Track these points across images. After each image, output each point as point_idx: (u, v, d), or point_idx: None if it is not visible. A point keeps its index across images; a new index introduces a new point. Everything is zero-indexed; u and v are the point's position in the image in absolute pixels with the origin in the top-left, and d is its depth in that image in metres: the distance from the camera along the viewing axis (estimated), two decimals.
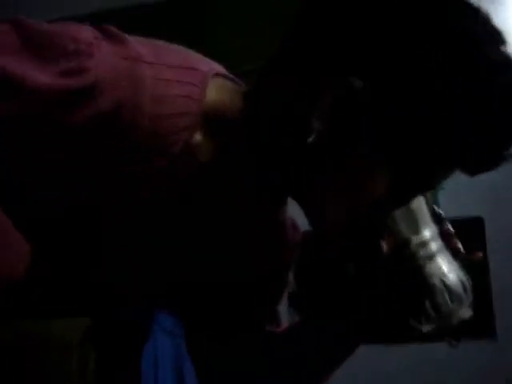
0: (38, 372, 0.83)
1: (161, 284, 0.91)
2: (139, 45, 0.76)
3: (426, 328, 0.85)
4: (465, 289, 0.85)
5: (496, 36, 0.76)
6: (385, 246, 0.84)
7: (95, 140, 0.73)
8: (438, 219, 0.87)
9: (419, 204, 0.86)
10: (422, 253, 0.85)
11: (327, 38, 0.77)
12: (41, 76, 0.69)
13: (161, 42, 0.82)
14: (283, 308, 1.04)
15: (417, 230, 0.85)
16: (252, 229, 0.93)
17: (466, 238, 0.90)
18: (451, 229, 0.88)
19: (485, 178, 0.80)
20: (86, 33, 0.74)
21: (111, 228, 0.80)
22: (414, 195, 0.84)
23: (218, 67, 0.85)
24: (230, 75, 0.86)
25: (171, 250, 0.88)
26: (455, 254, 0.87)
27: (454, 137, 0.76)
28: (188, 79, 0.78)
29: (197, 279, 0.93)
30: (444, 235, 0.87)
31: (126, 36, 0.76)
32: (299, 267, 1.00)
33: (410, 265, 0.85)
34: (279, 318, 1.03)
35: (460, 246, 0.87)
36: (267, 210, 0.95)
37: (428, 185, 0.82)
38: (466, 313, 0.85)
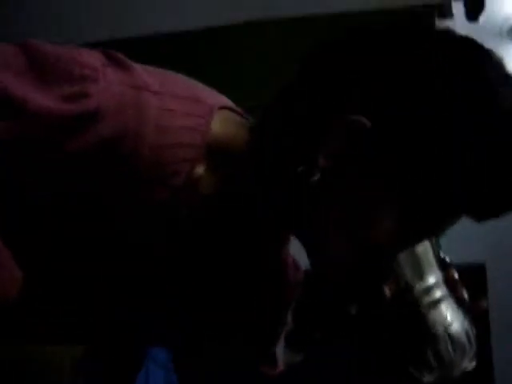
0: None
1: (155, 320, 0.89)
2: (146, 73, 0.75)
3: (426, 378, 0.82)
4: (469, 339, 0.81)
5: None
6: (387, 290, 0.80)
7: (95, 167, 0.71)
8: (443, 265, 0.84)
9: (425, 248, 0.82)
10: (425, 299, 0.81)
11: (337, 75, 0.76)
12: (43, 99, 0.68)
13: (168, 72, 0.81)
14: (281, 350, 1.01)
15: (421, 275, 0.82)
16: (253, 266, 0.90)
17: (467, 284, 0.86)
18: (456, 276, 0.84)
19: (487, 223, 0.78)
20: (93, 59, 0.72)
21: (107, 259, 0.79)
22: (420, 239, 0.81)
23: (225, 100, 0.83)
24: (237, 109, 0.84)
25: (168, 287, 0.85)
26: (460, 302, 0.83)
27: (465, 179, 0.74)
28: (194, 111, 0.76)
29: (193, 316, 0.91)
30: (449, 282, 0.84)
31: (133, 64, 0.75)
32: (300, 306, 0.98)
33: (413, 311, 0.81)
34: (276, 359, 0.99)
35: (465, 294, 0.84)
36: (269, 248, 0.92)
37: (435, 230, 0.80)
38: (469, 364, 0.82)
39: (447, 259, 0.84)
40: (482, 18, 2.17)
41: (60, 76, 0.69)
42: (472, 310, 0.83)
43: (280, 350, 0.99)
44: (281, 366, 0.99)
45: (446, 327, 0.80)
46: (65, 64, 0.70)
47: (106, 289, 0.82)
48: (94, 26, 2.57)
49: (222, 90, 0.86)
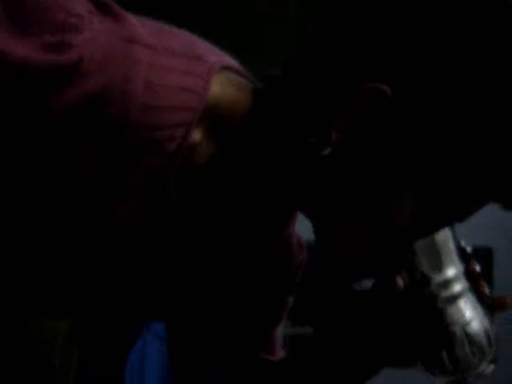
0: (22, 363, 0.80)
1: (149, 297, 0.86)
2: (139, 25, 0.68)
3: (439, 381, 0.78)
4: (489, 339, 0.74)
5: None
6: (400, 281, 0.74)
7: (77, 127, 0.64)
8: (464, 256, 0.76)
9: (445, 237, 0.75)
10: (443, 294, 0.74)
11: (355, 40, 0.68)
12: (18, 48, 0.61)
13: (166, 26, 0.73)
14: (281, 335, 0.98)
15: (440, 266, 0.74)
16: (253, 246, 0.84)
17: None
18: (478, 269, 0.77)
19: (494, 205, 0.74)
20: (80, 5, 0.65)
21: (92, 231, 0.75)
22: (441, 226, 0.74)
23: (228, 59, 0.75)
24: (242, 70, 0.76)
25: (161, 263, 0.79)
26: (481, 297, 0.76)
27: (497, 161, 0.67)
28: (191, 69, 0.69)
29: (190, 299, 0.86)
30: (470, 275, 0.77)
31: (126, 14, 0.67)
32: (302, 280, 0.94)
33: (429, 307, 0.74)
34: (276, 345, 0.93)
35: (487, 289, 0.77)
36: (272, 226, 0.86)
37: (459, 215, 0.72)
38: (487, 367, 0.75)
39: (468, 249, 0.77)
40: None
41: (41, 24, 0.62)
42: (494, 305, 0.77)
43: (280, 334, 0.96)
44: (281, 351, 0.95)
45: (464, 326, 0.74)
46: (47, 10, 0.63)
47: (94, 266, 0.79)
48: None
49: (229, 52, 0.81)
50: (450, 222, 0.74)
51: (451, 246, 0.75)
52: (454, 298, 0.74)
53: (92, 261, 0.75)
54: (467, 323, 0.73)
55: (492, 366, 0.74)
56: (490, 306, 0.76)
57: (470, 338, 0.73)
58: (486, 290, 0.76)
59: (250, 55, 0.81)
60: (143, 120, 0.65)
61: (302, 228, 0.83)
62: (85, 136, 0.65)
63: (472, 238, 0.81)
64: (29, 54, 0.61)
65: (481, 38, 0.65)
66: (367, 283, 0.78)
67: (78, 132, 0.64)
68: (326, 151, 0.67)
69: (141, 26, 0.67)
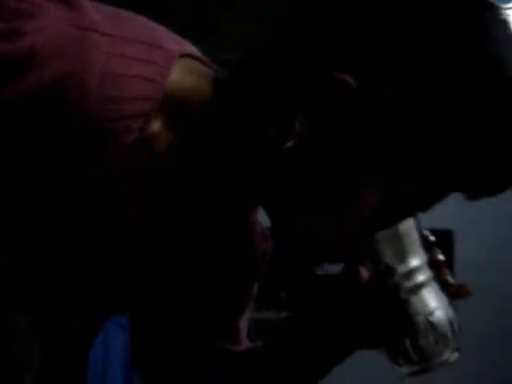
0: None
1: (111, 286, 0.85)
2: (96, 12, 0.66)
3: (405, 369, 0.75)
4: (452, 328, 0.74)
5: None
6: (364, 272, 0.73)
7: (32, 121, 0.62)
8: (427, 245, 0.76)
9: (408, 227, 0.74)
10: (406, 284, 0.74)
11: (322, 25, 0.67)
12: None
13: (125, 13, 0.71)
14: (245, 325, 0.97)
15: (403, 257, 0.74)
16: (215, 236, 0.83)
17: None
18: (442, 257, 0.77)
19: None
20: None
21: (52, 226, 0.73)
22: (405, 216, 0.73)
23: (189, 47, 0.74)
24: (203, 57, 0.75)
25: (121, 258, 0.77)
26: (444, 286, 0.76)
27: (463, 153, 0.66)
28: (150, 57, 0.67)
29: (152, 287, 0.84)
30: (433, 264, 0.76)
31: (83, 0, 0.65)
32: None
33: (392, 297, 0.74)
34: (240, 336, 0.92)
35: (450, 278, 0.77)
36: (233, 216, 0.84)
37: (425, 205, 0.71)
38: (451, 355, 0.75)
39: (431, 238, 0.77)
40: None
41: None
42: (457, 293, 0.77)
43: (244, 324, 0.95)
44: (245, 342, 0.95)
45: (428, 316, 0.74)
46: None
47: (55, 260, 0.77)
48: None
49: (189, 38, 0.79)
50: (414, 212, 0.73)
51: (414, 235, 0.75)
52: (418, 288, 0.74)
53: (57, 248, 0.74)
54: (431, 312, 0.73)
55: (456, 354, 0.75)
56: (452, 294, 0.76)
57: (433, 327, 0.73)
58: (450, 279, 0.77)
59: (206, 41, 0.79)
60: (101, 111, 0.63)
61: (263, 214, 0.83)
62: (42, 125, 0.63)
63: (432, 220, 0.81)
64: None
65: (443, 26, 0.64)
66: (329, 267, 0.78)
67: (35, 121, 0.62)
68: (290, 142, 0.66)
69: (97, 13, 0.65)
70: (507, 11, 0.67)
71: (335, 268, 0.78)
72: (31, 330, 0.83)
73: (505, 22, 0.66)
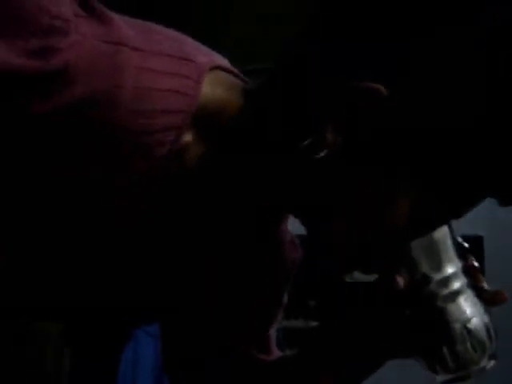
0: (14, 371, 0.79)
1: (142, 296, 0.85)
2: (126, 26, 0.66)
3: (442, 377, 0.74)
4: (489, 335, 0.74)
5: None
6: (401, 280, 0.73)
7: (65, 134, 0.63)
8: (461, 252, 0.76)
9: (443, 235, 0.74)
10: (443, 292, 0.73)
11: (349, 38, 0.66)
12: (4, 54, 0.59)
13: (154, 26, 0.72)
14: (274, 334, 0.96)
15: (439, 265, 0.74)
16: (245, 245, 0.83)
17: None
18: (476, 264, 0.76)
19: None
20: (65, 7, 0.63)
21: (84, 240, 0.71)
22: (439, 224, 0.73)
23: (219, 59, 0.74)
24: (233, 69, 0.75)
25: (154, 268, 0.78)
26: (479, 292, 0.76)
27: (497, 160, 0.66)
28: (181, 71, 0.68)
29: (183, 297, 0.84)
30: (468, 271, 0.76)
31: (113, 15, 0.66)
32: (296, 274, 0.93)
33: (429, 306, 0.74)
34: (271, 344, 0.92)
35: (485, 284, 0.76)
36: (265, 226, 0.84)
37: (458, 212, 0.71)
38: (488, 362, 0.74)
39: (466, 245, 0.76)
40: None
41: (25, 27, 0.60)
42: (492, 300, 0.76)
43: (274, 334, 0.95)
44: (276, 351, 0.92)
45: (465, 322, 0.73)
46: (31, 13, 0.60)
47: (90, 265, 0.78)
48: None
49: (217, 49, 0.80)
50: (447, 220, 0.73)
51: (449, 243, 0.74)
52: (454, 296, 0.73)
53: (89, 259, 0.75)
54: (468, 320, 0.73)
55: (492, 362, 0.74)
56: (487, 300, 0.75)
57: (470, 334, 0.73)
58: (485, 285, 0.76)
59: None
60: (132, 125, 0.64)
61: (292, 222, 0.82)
62: (73, 140, 0.63)
63: (462, 226, 0.80)
64: (14, 59, 0.59)
65: (470, 34, 0.64)
66: (358, 275, 0.78)
67: (66, 136, 0.63)
68: (322, 153, 0.66)
69: (128, 28, 0.66)
70: None
71: (364, 276, 0.78)
72: (61, 342, 0.84)
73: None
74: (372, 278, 0.79)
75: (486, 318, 0.74)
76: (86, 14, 0.64)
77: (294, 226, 0.86)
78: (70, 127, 0.62)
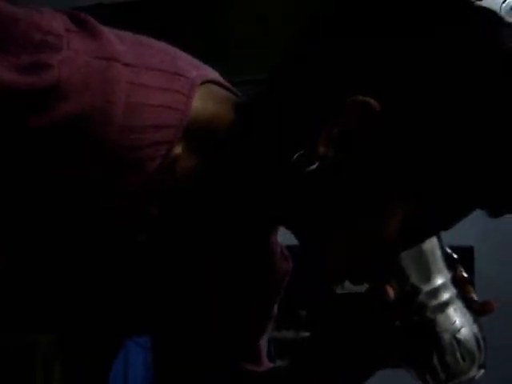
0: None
1: (132, 309, 0.85)
2: (118, 41, 0.66)
3: None
4: (478, 345, 0.75)
5: None
6: (391, 291, 0.73)
7: (57, 151, 0.63)
8: (451, 263, 0.76)
9: (432, 246, 0.74)
10: (432, 303, 0.74)
11: (341, 50, 0.67)
12: None
13: (146, 40, 0.72)
14: (265, 345, 0.96)
15: (428, 276, 0.74)
16: (236, 257, 0.83)
17: None
18: (465, 274, 0.77)
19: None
20: (57, 23, 0.63)
21: (74, 248, 0.71)
22: (429, 235, 0.73)
23: (210, 72, 0.75)
24: (224, 82, 0.76)
25: (143, 281, 0.79)
26: (469, 303, 0.76)
27: (486, 172, 0.66)
28: (172, 86, 0.68)
29: (171, 308, 0.85)
30: (457, 281, 0.76)
31: (104, 30, 0.66)
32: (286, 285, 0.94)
33: (418, 316, 0.74)
34: (261, 356, 0.92)
35: (474, 295, 0.77)
36: (254, 238, 0.85)
37: (447, 224, 0.72)
38: (477, 372, 0.75)
39: (455, 256, 0.77)
40: None
41: (17, 43, 0.60)
42: (481, 310, 0.77)
43: (264, 345, 0.93)
44: (267, 362, 0.93)
45: (455, 333, 0.74)
46: (23, 29, 0.61)
47: (79, 278, 0.78)
48: None
49: (210, 60, 0.80)
50: (436, 231, 0.74)
51: (438, 254, 0.75)
52: (443, 306, 0.74)
53: (87, 263, 0.75)
54: (457, 330, 0.73)
55: (482, 371, 0.75)
56: (477, 310, 0.76)
57: (460, 344, 0.73)
58: (474, 296, 0.76)
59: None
60: (123, 141, 0.64)
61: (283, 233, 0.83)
62: (63, 155, 0.63)
63: (452, 237, 0.81)
64: (5, 75, 0.59)
65: (465, 47, 0.64)
66: (349, 286, 0.78)
67: (56, 151, 0.63)
68: (314, 166, 0.66)
69: (119, 42, 0.66)
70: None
71: (354, 287, 0.78)
72: (51, 354, 0.84)
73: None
74: (363, 288, 0.79)
75: (476, 328, 0.75)
76: (77, 28, 0.64)
77: (284, 237, 0.87)
78: (67, 141, 0.62)
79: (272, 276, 0.88)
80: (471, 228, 2.76)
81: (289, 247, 0.90)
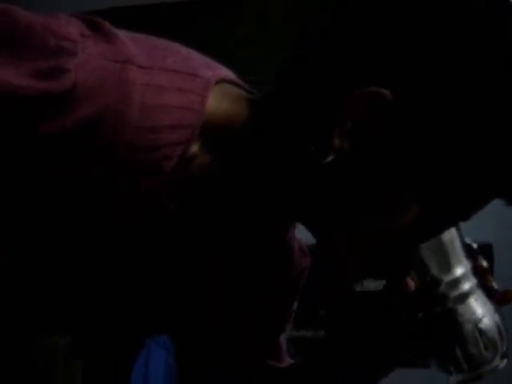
0: None
1: (153, 310, 0.86)
2: (133, 44, 0.67)
3: (456, 378, 0.75)
4: (500, 334, 0.75)
5: None
6: (411, 283, 0.73)
7: (73, 153, 0.64)
8: (470, 253, 0.76)
9: (451, 237, 0.75)
10: (453, 294, 0.74)
11: (354, 42, 0.67)
12: (9, 75, 0.60)
13: (160, 41, 0.73)
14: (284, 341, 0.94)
15: (448, 266, 0.74)
16: (254, 254, 0.84)
17: None
18: (485, 264, 0.77)
19: (492, 202, 0.73)
20: (72, 28, 0.64)
21: (91, 256, 0.72)
22: (447, 226, 0.73)
23: (225, 71, 0.75)
24: (239, 81, 0.76)
25: (161, 281, 0.79)
26: (489, 293, 0.76)
27: (502, 159, 0.67)
28: (187, 86, 0.68)
29: (191, 307, 0.85)
30: (477, 272, 0.76)
31: (119, 33, 0.67)
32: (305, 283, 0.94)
33: (440, 307, 0.74)
34: (282, 352, 0.93)
35: (495, 284, 0.77)
36: (272, 235, 0.85)
37: (465, 214, 0.72)
38: (500, 362, 0.75)
39: (474, 246, 0.77)
40: None
41: (33, 48, 0.62)
42: (502, 299, 0.77)
43: (284, 342, 0.93)
44: (287, 358, 0.93)
45: (477, 323, 0.74)
46: (39, 34, 0.62)
47: (95, 274, 0.78)
48: None
49: (223, 61, 0.78)
50: (455, 222, 0.74)
51: (457, 245, 0.75)
52: (464, 297, 0.74)
53: (93, 268, 0.75)
54: (479, 320, 0.74)
55: (505, 361, 0.75)
56: (497, 300, 0.76)
57: (482, 334, 0.73)
58: (494, 285, 0.76)
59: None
60: (140, 141, 0.65)
61: (301, 231, 0.83)
62: (80, 158, 0.64)
63: (472, 233, 0.80)
64: (22, 81, 0.60)
65: (477, 40, 0.65)
66: (369, 284, 0.78)
67: (73, 154, 0.64)
68: (329, 159, 0.66)
69: (133, 45, 0.67)
70: None
71: (374, 285, 0.78)
72: (71, 356, 0.84)
73: None
74: (381, 286, 0.79)
75: (497, 318, 0.75)
76: (92, 32, 0.65)
77: (303, 235, 0.87)
78: (80, 145, 0.63)
79: (290, 272, 0.88)
80: (490, 225, 2.75)
81: (308, 246, 0.90)
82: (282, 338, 0.93)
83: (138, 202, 0.68)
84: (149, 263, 0.77)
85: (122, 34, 0.67)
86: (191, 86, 0.69)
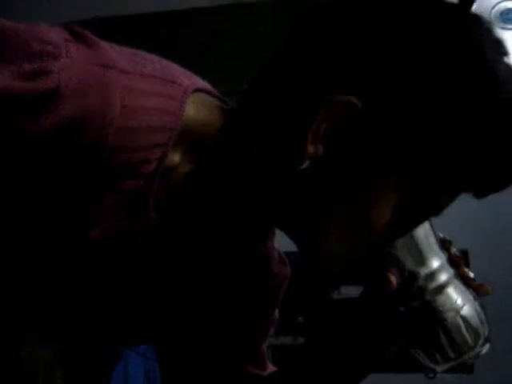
0: None
1: (134, 319, 0.86)
2: (113, 51, 0.69)
3: (443, 367, 0.77)
4: (481, 320, 0.77)
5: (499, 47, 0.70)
6: (393, 278, 0.75)
7: (55, 152, 0.65)
8: (444, 245, 0.79)
9: (425, 232, 0.77)
10: (431, 286, 0.76)
11: (322, 52, 0.70)
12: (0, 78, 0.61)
13: (139, 52, 0.75)
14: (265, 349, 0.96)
15: (423, 260, 0.77)
16: (233, 263, 0.85)
17: None
18: (458, 253, 0.79)
19: (468, 210, 0.75)
20: (56, 34, 0.66)
21: (70, 256, 0.73)
22: (419, 222, 0.76)
23: (201, 82, 0.77)
24: (214, 91, 0.78)
25: (141, 287, 0.80)
26: (466, 281, 0.78)
27: (467, 155, 0.69)
28: (166, 92, 0.70)
29: (172, 317, 0.86)
30: (453, 261, 0.78)
31: (100, 41, 0.68)
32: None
33: (419, 300, 0.76)
34: (265, 359, 0.94)
35: (470, 272, 0.79)
36: (251, 243, 0.87)
37: (436, 209, 0.74)
38: (482, 347, 0.77)
39: (447, 237, 0.80)
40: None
41: (19, 52, 0.63)
42: (478, 288, 0.79)
43: (265, 349, 0.95)
44: (270, 366, 0.94)
45: (458, 310, 0.76)
46: (24, 40, 0.64)
47: (78, 287, 0.77)
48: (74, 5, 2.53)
49: (201, 73, 0.80)
50: (426, 217, 0.76)
51: (431, 239, 0.77)
52: (443, 287, 0.76)
53: (73, 278, 0.75)
54: (460, 307, 0.76)
55: (488, 345, 0.77)
56: (474, 287, 0.78)
57: (464, 320, 0.75)
58: (470, 274, 0.78)
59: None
60: (120, 142, 0.66)
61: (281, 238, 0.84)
62: (61, 159, 0.65)
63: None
64: (6, 82, 0.61)
65: (443, 45, 0.67)
66: (345, 291, 0.79)
67: (55, 155, 0.65)
68: (305, 165, 0.68)
69: (114, 52, 0.68)
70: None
71: (351, 293, 0.79)
72: (52, 365, 0.84)
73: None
74: (358, 293, 0.80)
75: (477, 305, 0.77)
76: (74, 39, 0.66)
77: (281, 244, 0.87)
78: (63, 145, 0.64)
79: (270, 279, 0.90)
80: (466, 231, 2.77)
81: (286, 253, 0.91)
82: (264, 346, 0.93)
83: (121, 203, 0.69)
84: (127, 270, 0.77)
85: (102, 42, 0.68)
86: (170, 91, 0.70)
